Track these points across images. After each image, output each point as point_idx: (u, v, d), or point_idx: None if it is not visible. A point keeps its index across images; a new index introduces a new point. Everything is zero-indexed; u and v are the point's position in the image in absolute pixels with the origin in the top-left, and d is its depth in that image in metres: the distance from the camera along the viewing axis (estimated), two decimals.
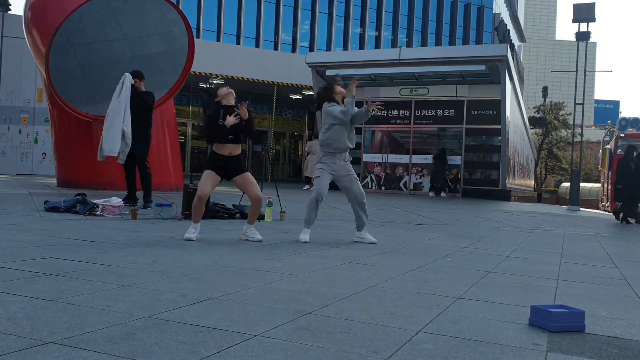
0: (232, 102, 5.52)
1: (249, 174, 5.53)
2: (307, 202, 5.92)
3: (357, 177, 6.04)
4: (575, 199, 18.55)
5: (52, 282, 3.01)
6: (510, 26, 46.13)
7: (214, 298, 2.84)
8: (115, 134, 7.84)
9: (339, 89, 5.96)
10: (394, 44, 37.31)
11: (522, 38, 55.88)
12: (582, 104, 20.28)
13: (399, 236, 6.86)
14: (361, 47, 36.36)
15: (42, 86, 13.86)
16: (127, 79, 8.01)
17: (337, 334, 2.34)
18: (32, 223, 5.78)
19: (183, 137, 23.40)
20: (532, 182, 38.85)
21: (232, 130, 5.35)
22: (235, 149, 5.46)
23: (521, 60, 54.68)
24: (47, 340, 2.01)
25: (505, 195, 19.07)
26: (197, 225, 5.32)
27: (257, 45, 32.35)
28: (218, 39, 31.23)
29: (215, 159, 5.42)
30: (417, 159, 20.18)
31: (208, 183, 5.38)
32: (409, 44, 38.16)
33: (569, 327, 2.62)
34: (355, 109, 5.81)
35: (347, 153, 5.97)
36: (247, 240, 5.42)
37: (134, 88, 8.02)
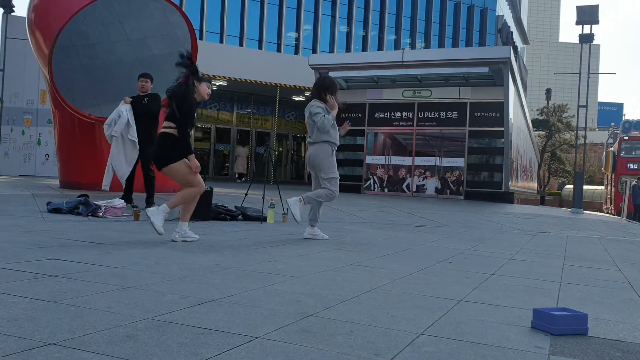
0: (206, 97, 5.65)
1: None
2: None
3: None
4: (578, 201, 18.52)
5: (54, 283, 3.01)
6: (513, 28, 46.10)
7: (215, 300, 2.84)
8: (120, 161, 8.00)
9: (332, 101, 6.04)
10: (397, 46, 37.34)
11: (525, 40, 55.89)
12: (586, 106, 20.25)
13: (401, 238, 6.85)
14: (364, 49, 36.41)
15: (45, 88, 13.90)
16: (125, 110, 8.00)
17: (338, 336, 2.33)
18: (34, 224, 5.79)
19: None
20: (535, 185, 38.80)
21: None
22: None
23: (524, 63, 54.68)
24: (48, 342, 2.01)
25: (508, 197, 19.04)
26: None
27: (260, 47, 32.42)
28: (221, 41, 31.32)
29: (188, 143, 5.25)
30: (419, 160, 20.17)
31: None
32: (412, 46, 38.16)
33: (572, 331, 2.61)
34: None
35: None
36: (184, 240, 5.13)
37: (139, 96, 8.11)
